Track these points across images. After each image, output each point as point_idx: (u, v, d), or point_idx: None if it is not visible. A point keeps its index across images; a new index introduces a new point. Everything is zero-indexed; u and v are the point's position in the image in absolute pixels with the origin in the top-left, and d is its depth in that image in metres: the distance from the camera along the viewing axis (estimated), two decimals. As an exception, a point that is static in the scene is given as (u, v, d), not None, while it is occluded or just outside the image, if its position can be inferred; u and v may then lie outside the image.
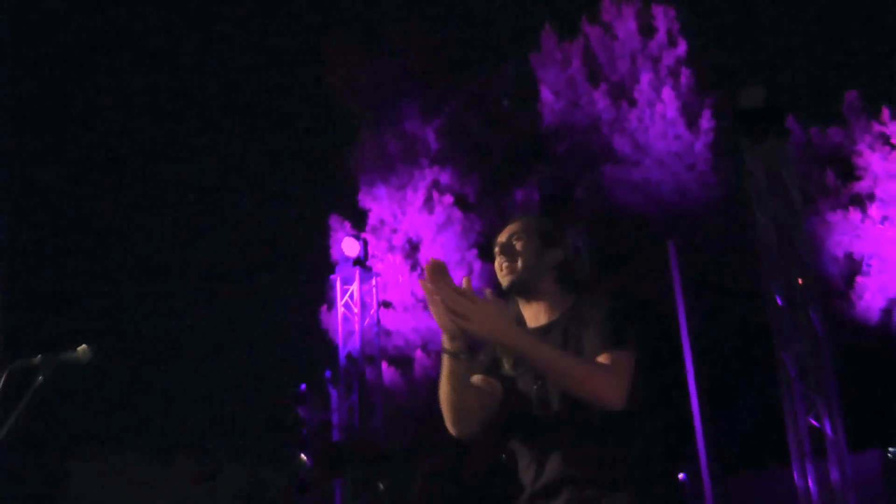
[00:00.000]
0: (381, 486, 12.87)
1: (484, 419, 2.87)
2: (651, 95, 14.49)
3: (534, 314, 3.02)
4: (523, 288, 3.01)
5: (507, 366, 2.96)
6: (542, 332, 2.93)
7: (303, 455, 12.31)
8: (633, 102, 14.66)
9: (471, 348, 2.80)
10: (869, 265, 13.15)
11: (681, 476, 12.74)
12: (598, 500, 2.77)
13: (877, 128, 13.34)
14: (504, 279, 3.02)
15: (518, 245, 3.02)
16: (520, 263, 3.00)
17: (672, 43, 14.90)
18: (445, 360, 2.78)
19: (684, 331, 11.22)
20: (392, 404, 13.97)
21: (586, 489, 2.78)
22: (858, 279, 13.15)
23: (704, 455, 11.04)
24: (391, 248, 15.41)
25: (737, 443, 12.86)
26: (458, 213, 15.07)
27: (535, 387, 2.88)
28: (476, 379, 2.93)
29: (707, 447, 11.11)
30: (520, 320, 3.02)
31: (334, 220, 15.72)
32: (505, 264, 3.02)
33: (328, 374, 13.01)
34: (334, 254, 14.83)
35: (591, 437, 2.79)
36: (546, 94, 15.42)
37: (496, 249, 3.05)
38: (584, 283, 3.01)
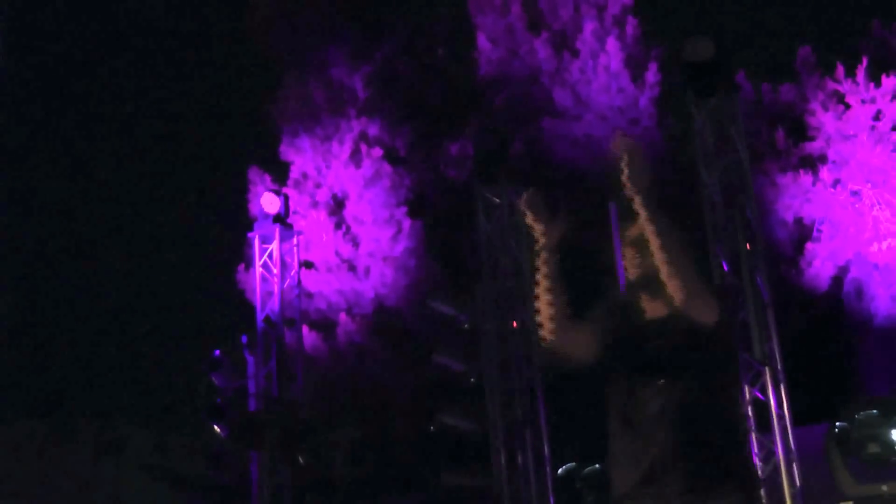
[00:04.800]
0: (301, 459, 12.76)
1: (573, 349, 3.35)
2: (594, 46, 14.40)
3: (653, 306, 3.38)
4: (649, 283, 3.32)
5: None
6: (661, 322, 3.31)
7: (216, 425, 12.14)
8: (575, 53, 14.57)
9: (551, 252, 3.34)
10: (819, 230, 13.28)
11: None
12: (709, 491, 3.15)
13: (831, 85, 13.41)
14: (633, 272, 3.36)
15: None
16: (649, 259, 3.28)
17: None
18: (542, 260, 3.30)
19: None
20: (313, 371, 13.83)
21: (698, 479, 3.14)
22: (808, 245, 13.29)
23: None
24: (314, 204, 15.20)
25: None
26: (387, 168, 14.89)
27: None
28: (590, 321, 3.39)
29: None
30: (638, 310, 3.39)
31: (253, 173, 15.45)
32: (637, 259, 3.34)
33: (244, 338, 12.84)
34: (253, 209, 14.59)
35: (701, 411, 3.18)
36: (483, 42, 15.25)
37: (626, 241, 3.38)
38: None
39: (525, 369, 11.85)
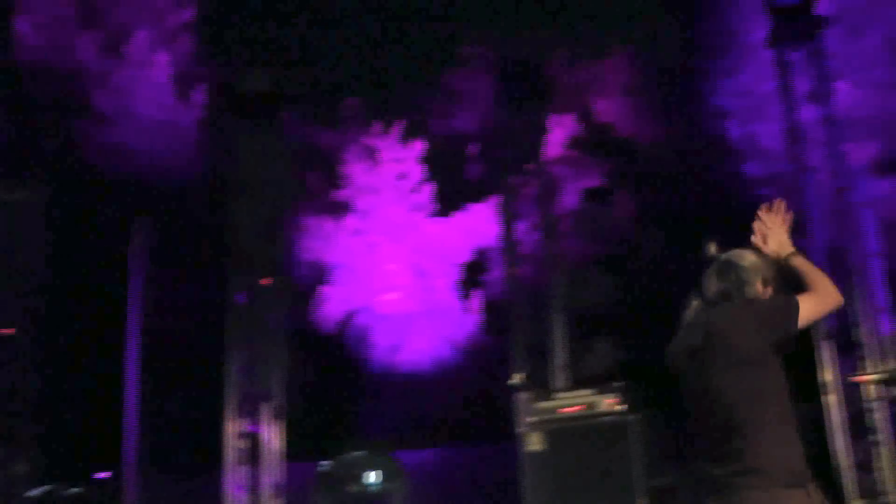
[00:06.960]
0: None
1: None
2: (146, 54, 14.37)
3: None
4: None
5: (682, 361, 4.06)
6: None
7: None
8: (124, 57, 14.43)
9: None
10: (337, 275, 14.19)
11: (105, 474, 12.64)
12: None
13: (366, 140, 14.49)
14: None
15: None
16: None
17: (182, 4, 14.89)
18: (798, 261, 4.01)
19: (134, 318, 11.25)
20: None
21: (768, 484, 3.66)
22: (324, 287, 14.13)
23: (135, 453, 11.14)
24: None
25: (175, 443, 13.11)
26: None
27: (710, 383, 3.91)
28: None
29: (140, 445, 11.23)
30: None
31: None
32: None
33: None
34: None
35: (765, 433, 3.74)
36: (24, 26, 14.60)
37: (767, 284, 4.09)
38: None
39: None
